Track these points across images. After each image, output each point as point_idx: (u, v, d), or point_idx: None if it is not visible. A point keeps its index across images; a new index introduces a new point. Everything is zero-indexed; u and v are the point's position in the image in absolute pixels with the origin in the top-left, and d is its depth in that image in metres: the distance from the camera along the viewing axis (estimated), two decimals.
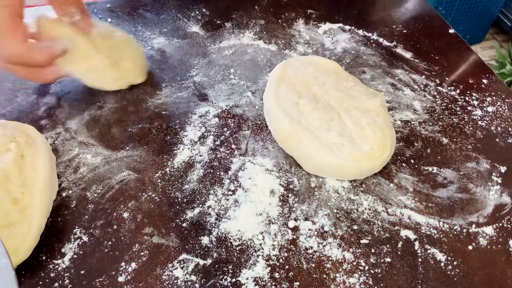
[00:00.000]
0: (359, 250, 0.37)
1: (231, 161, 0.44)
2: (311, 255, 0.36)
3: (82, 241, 0.37)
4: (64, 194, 0.40)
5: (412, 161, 0.44)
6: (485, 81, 0.54)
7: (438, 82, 0.54)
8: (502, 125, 0.48)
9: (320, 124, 0.43)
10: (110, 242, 0.37)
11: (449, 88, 0.53)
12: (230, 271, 0.35)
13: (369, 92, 0.47)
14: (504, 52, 1.76)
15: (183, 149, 0.45)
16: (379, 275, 0.35)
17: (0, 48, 0.40)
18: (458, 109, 0.50)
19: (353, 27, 0.61)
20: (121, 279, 0.35)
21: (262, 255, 0.36)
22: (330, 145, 0.41)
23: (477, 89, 0.53)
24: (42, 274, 0.35)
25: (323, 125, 0.43)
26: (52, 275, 0.35)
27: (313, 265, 0.36)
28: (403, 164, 0.44)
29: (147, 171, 0.43)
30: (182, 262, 0.36)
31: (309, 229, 0.38)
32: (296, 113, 0.44)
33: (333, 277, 0.35)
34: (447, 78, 0.54)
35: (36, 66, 0.43)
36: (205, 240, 0.37)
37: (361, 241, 0.37)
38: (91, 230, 0.38)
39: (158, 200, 0.40)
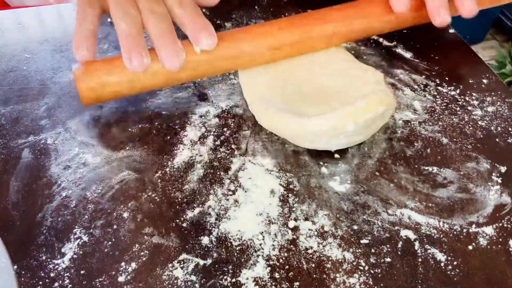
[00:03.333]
0: (359, 250, 0.37)
1: (231, 161, 0.44)
2: (311, 255, 0.36)
3: (82, 241, 0.37)
4: (64, 194, 0.40)
5: (412, 161, 0.44)
6: (485, 81, 0.54)
7: (438, 82, 0.54)
8: (502, 125, 0.48)
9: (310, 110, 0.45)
10: (110, 242, 0.37)
11: (449, 88, 0.53)
12: (230, 271, 0.35)
13: (364, 73, 0.48)
14: (504, 52, 1.76)
15: (183, 149, 0.45)
16: (379, 275, 0.35)
17: None
18: (458, 109, 0.50)
19: None
20: (121, 279, 0.35)
21: (262, 255, 0.36)
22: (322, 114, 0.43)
23: (477, 89, 0.53)
24: (42, 274, 0.35)
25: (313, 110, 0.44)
26: (52, 275, 0.35)
27: (313, 265, 0.36)
28: (403, 164, 0.44)
29: (147, 171, 0.43)
30: (182, 262, 0.36)
31: (309, 229, 0.38)
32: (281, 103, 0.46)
33: (333, 277, 0.35)
34: (447, 78, 0.54)
35: None
36: (205, 240, 0.37)
37: (361, 241, 0.37)
38: (91, 230, 0.38)
39: (158, 200, 0.40)
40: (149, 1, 0.43)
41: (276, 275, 0.35)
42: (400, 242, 0.38)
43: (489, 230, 0.39)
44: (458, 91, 0.53)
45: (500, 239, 0.38)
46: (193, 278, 0.35)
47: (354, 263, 0.36)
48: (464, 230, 0.39)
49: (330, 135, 0.42)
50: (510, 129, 0.48)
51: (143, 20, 0.42)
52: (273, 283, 0.35)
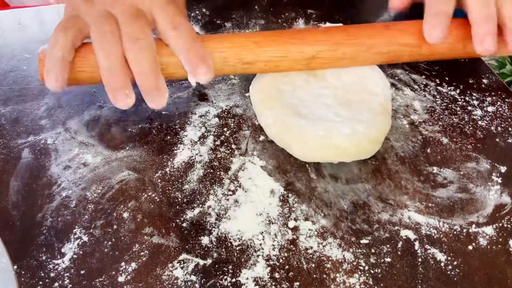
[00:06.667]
0: (359, 250, 0.37)
1: (231, 161, 0.44)
2: (311, 255, 0.36)
3: (82, 241, 0.37)
4: (64, 194, 0.40)
5: (412, 161, 0.44)
6: (485, 81, 0.54)
7: (438, 82, 0.54)
8: (502, 125, 0.48)
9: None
10: (110, 242, 0.37)
11: (449, 88, 0.53)
12: (230, 271, 0.35)
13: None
14: None
15: (183, 149, 0.45)
16: (379, 275, 0.35)
17: None
18: (458, 109, 0.50)
19: None
20: (121, 279, 0.35)
21: (262, 255, 0.36)
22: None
23: (477, 89, 0.53)
24: (42, 274, 0.35)
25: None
26: (52, 275, 0.35)
27: (313, 265, 0.36)
28: (403, 164, 0.44)
29: (147, 171, 0.43)
30: (182, 262, 0.36)
31: (309, 229, 0.38)
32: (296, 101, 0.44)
33: (333, 277, 0.35)
34: (447, 78, 0.54)
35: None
36: (205, 240, 0.37)
37: (361, 241, 0.37)
38: (91, 230, 0.38)
39: (158, 200, 0.40)
40: (131, 24, 0.39)
41: (276, 275, 0.35)
42: (400, 242, 0.38)
43: (489, 230, 0.39)
44: (458, 91, 0.53)
45: (500, 239, 0.38)
46: (193, 278, 0.35)
47: (354, 263, 0.36)
48: (464, 230, 0.39)
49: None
50: (510, 129, 0.48)
51: (124, 49, 0.39)
52: (273, 283, 0.35)
